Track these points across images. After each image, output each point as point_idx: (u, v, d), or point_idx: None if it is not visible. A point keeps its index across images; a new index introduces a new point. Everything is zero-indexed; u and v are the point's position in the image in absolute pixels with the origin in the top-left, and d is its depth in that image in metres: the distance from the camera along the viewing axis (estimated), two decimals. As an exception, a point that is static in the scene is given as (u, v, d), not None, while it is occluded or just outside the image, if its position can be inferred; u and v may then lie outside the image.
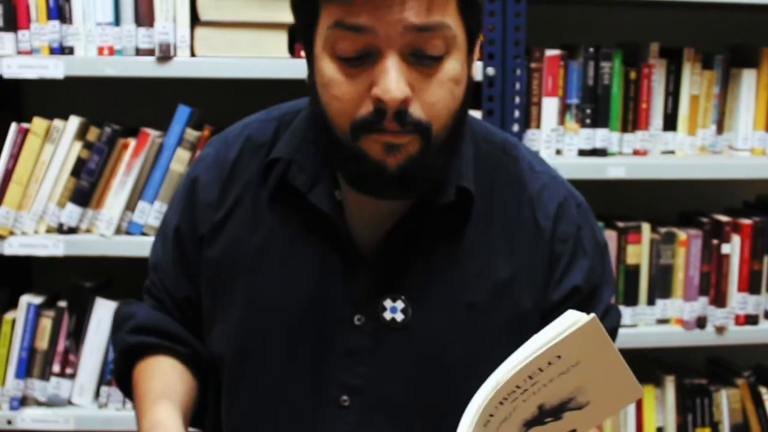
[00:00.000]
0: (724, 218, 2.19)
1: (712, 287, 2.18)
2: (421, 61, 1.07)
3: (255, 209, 1.23)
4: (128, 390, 1.33)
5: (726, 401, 2.26)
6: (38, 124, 1.99)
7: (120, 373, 1.34)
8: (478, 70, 2.00)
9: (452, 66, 1.09)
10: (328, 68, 1.09)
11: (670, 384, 2.24)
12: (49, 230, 2.01)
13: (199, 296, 1.28)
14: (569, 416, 1.02)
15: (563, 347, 0.94)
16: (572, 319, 0.95)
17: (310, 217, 1.19)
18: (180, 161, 1.99)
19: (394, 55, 1.05)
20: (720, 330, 2.19)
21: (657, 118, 2.20)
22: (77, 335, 2.07)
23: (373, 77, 1.06)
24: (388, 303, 1.19)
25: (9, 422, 2.05)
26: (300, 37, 1.18)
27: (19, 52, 1.96)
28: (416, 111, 1.07)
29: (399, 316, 1.19)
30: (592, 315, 0.94)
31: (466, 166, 1.19)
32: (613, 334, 1.25)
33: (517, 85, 2.03)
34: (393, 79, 1.04)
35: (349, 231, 1.19)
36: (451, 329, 1.20)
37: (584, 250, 1.23)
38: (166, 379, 1.25)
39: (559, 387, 0.98)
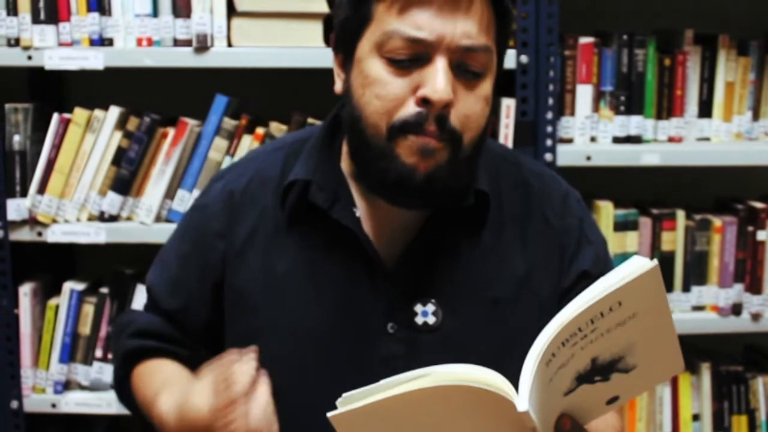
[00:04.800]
0: (759, 205, 2.18)
1: (748, 274, 2.17)
2: (464, 74, 1.13)
3: (274, 235, 1.27)
4: (126, 395, 1.34)
5: (762, 388, 2.25)
6: (79, 114, 2.03)
7: (120, 379, 1.36)
8: (511, 58, 2.01)
9: (487, 86, 1.16)
10: (375, 67, 1.13)
11: (705, 371, 2.23)
12: (90, 218, 2.04)
13: (196, 314, 1.31)
14: (616, 378, 1.04)
15: (626, 292, 0.97)
16: (637, 265, 0.97)
17: (330, 235, 1.23)
18: (218, 150, 2.01)
19: (444, 61, 1.11)
20: (756, 317, 2.18)
21: (692, 104, 2.19)
22: (118, 321, 2.11)
23: (421, 79, 1.11)
24: (419, 308, 1.23)
25: (53, 405, 2.09)
26: (340, 41, 1.20)
27: (61, 44, 1.99)
28: (453, 120, 1.12)
29: (431, 319, 1.23)
30: (655, 261, 0.97)
31: (480, 171, 1.24)
32: None
33: (551, 73, 2.03)
34: (442, 81, 1.10)
35: (371, 243, 1.23)
36: (480, 326, 1.24)
37: (588, 240, 1.31)
38: (169, 370, 1.27)
39: (614, 340, 1.01)
